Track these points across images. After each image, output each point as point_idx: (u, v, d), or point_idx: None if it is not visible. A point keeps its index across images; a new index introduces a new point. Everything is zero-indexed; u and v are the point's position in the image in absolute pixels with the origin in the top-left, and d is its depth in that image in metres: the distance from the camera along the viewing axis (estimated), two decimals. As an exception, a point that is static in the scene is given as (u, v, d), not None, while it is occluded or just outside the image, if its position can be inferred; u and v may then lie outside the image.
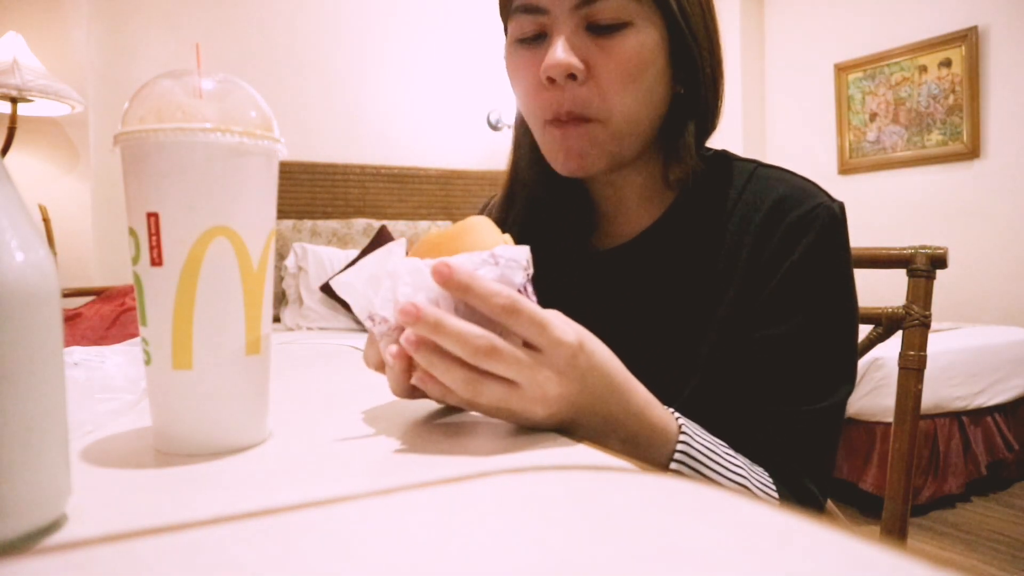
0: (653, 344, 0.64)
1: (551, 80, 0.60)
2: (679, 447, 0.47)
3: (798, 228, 0.61)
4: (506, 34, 0.67)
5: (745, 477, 0.51)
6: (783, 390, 0.59)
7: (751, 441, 0.58)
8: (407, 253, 0.46)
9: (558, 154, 0.63)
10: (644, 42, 0.60)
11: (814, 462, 0.59)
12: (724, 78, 0.67)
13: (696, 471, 0.48)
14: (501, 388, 0.39)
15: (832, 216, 0.61)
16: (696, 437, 0.49)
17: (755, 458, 0.57)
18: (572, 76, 0.59)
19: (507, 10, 0.65)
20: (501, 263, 0.42)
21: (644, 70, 0.60)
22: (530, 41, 0.63)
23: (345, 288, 0.45)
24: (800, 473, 0.58)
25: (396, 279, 0.42)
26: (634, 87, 0.60)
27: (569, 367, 0.40)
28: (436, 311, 0.38)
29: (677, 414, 0.49)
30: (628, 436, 0.45)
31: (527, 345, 0.40)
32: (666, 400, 0.51)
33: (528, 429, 0.44)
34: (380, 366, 0.47)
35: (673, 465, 0.47)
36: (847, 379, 0.62)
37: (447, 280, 0.39)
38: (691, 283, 0.64)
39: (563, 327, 0.41)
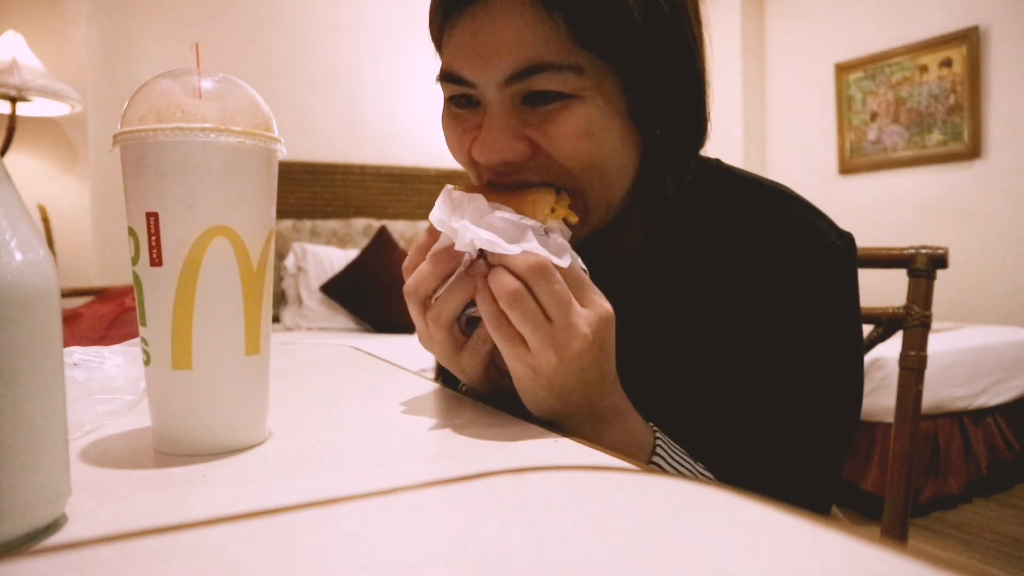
0: (647, 371, 0.61)
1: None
2: (656, 452, 0.49)
3: (806, 264, 0.58)
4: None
5: None
6: (783, 425, 0.57)
7: (747, 476, 0.55)
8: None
9: None
10: (591, 113, 0.51)
11: (813, 498, 0.57)
12: (709, 92, 0.59)
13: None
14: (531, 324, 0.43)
15: (839, 252, 0.59)
16: (671, 447, 0.51)
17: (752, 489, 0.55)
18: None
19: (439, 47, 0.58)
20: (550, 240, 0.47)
21: (598, 139, 0.52)
22: (463, 103, 0.56)
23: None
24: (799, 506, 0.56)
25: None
26: (590, 157, 0.52)
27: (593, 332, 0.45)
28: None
29: (654, 427, 0.51)
30: (610, 441, 0.48)
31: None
32: (660, 426, 0.52)
33: (528, 429, 0.44)
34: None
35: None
36: (851, 414, 0.60)
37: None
38: (685, 309, 0.61)
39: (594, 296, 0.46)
